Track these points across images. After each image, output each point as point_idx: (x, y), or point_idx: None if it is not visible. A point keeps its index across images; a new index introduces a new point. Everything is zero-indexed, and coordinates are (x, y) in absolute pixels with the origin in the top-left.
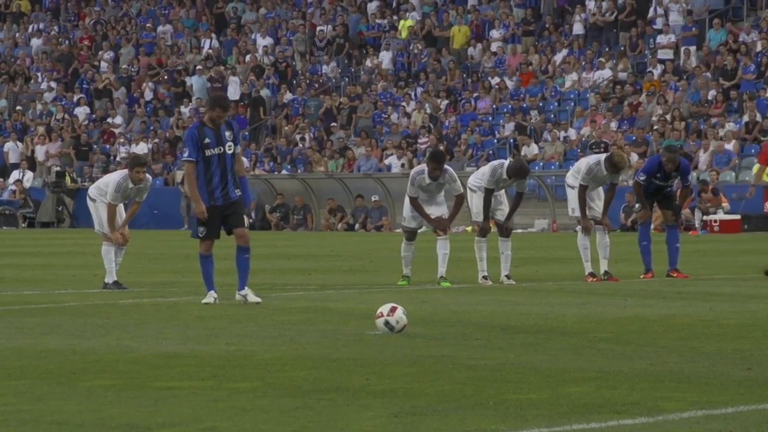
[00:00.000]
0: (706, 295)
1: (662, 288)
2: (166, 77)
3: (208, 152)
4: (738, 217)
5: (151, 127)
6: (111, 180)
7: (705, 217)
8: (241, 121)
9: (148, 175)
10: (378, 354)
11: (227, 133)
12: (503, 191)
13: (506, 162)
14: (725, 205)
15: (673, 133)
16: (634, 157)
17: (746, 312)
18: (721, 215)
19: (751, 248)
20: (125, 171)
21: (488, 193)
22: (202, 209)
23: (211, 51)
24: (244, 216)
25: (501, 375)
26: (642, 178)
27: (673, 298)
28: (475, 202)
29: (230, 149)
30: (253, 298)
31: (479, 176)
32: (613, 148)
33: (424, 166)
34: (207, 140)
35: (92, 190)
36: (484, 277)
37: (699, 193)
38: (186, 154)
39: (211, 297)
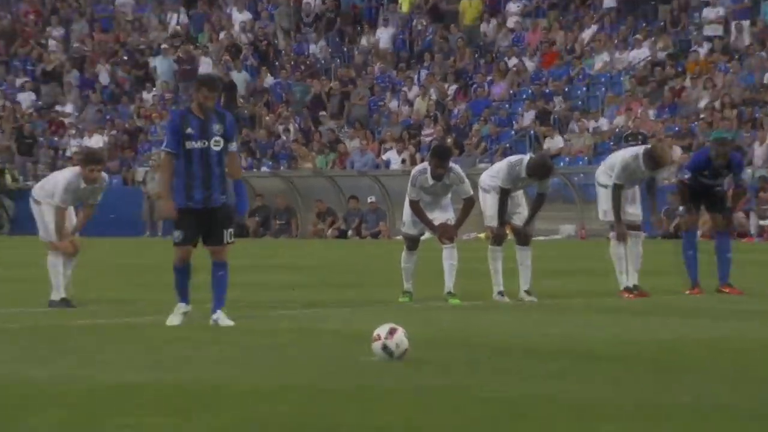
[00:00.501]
0: (764, 314)
1: (712, 305)
2: (125, 58)
3: (188, 144)
4: None
5: (108, 117)
6: (59, 179)
7: (762, 222)
8: None
9: (103, 174)
10: (375, 384)
11: (216, 126)
12: (522, 192)
13: (526, 158)
14: None
15: (722, 122)
16: (678, 151)
17: None
18: None
19: None
20: (76, 168)
21: (504, 194)
22: (170, 207)
23: (179, 27)
24: (226, 232)
25: (520, 409)
26: (686, 176)
27: (724, 317)
28: (489, 205)
29: (217, 145)
30: (225, 321)
31: (494, 174)
32: (652, 140)
33: (426, 165)
34: (189, 130)
35: (37, 191)
36: (500, 293)
37: (756, 193)
38: (164, 143)
39: (178, 313)
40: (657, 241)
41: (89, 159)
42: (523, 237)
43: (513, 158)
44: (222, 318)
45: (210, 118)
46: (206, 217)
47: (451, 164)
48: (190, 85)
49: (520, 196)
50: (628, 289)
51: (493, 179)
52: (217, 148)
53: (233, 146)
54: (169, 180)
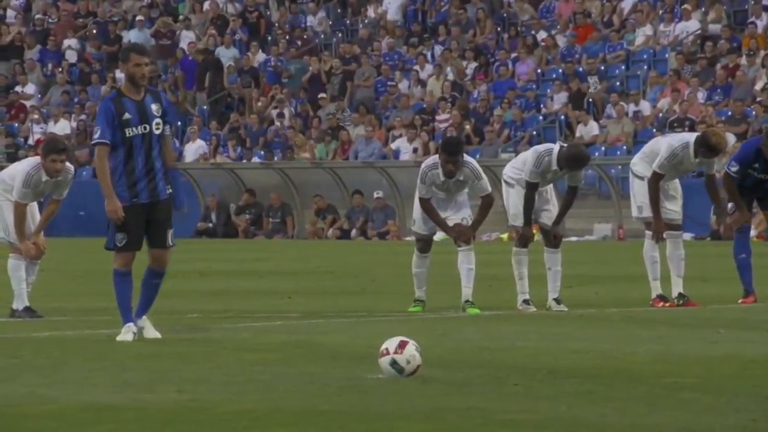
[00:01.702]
0: None
1: (767, 317)
2: (95, 31)
3: (128, 132)
4: None
5: (76, 100)
6: (18, 171)
7: None
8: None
9: (68, 165)
10: (381, 405)
11: (153, 107)
12: (551, 186)
13: (556, 147)
14: None
15: None
16: (731, 138)
17: None
18: None
19: None
20: (37, 159)
21: (531, 189)
22: (116, 207)
23: None
24: (169, 232)
25: None
26: (734, 168)
27: None
28: (513, 201)
29: (158, 128)
30: (151, 332)
31: (519, 166)
32: (702, 127)
33: (437, 158)
34: (127, 116)
35: None
36: (525, 302)
37: None
38: (97, 135)
39: (129, 332)
40: (704, 244)
41: (49, 148)
42: (553, 238)
43: (541, 148)
44: (148, 327)
45: (145, 97)
46: (152, 211)
47: (466, 158)
48: (168, 63)
49: (549, 191)
50: (662, 297)
51: (517, 172)
52: (158, 132)
53: (169, 129)
54: (108, 175)
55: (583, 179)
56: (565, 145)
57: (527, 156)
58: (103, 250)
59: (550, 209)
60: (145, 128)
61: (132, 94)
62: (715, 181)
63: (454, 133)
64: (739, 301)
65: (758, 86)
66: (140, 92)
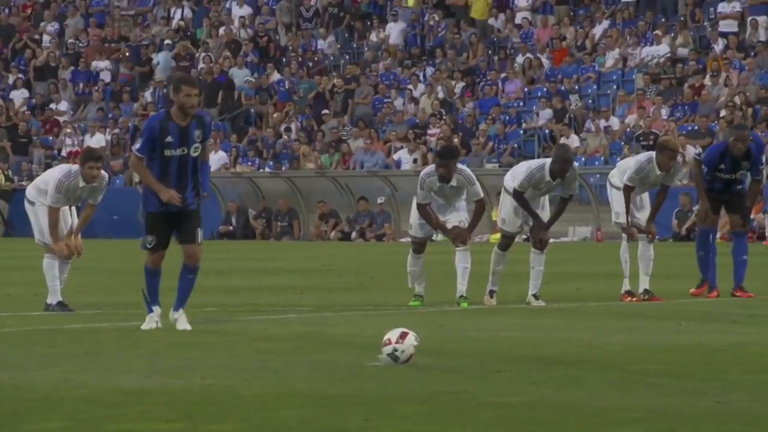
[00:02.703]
0: None
1: (729, 310)
2: (128, 54)
3: (167, 153)
4: None
5: (110, 115)
6: (50, 177)
7: None
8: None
9: (103, 173)
10: (382, 390)
11: (196, 132)
12: (546, 197)
13: (548, 162)
14: None
15: (741, 121)
16: (690, 151)
17: None
18: None
19: None
20: (68, 166)
21: (518, 197)
22: (170, 195)
23: (182, 22)
24: (198, 230)
25: (533, 415)
26: (704, 170)
27: (743, 322)
28: (505, 207)
29: (195, 151)
30: (183, 324)
31: (515, 174)
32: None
33: (434, 167)
34: (169, 138)
35: (30, 191)
36: (491, 293)
37: None
38: (137, 146)
39: (152, 321)
40: (668, 245)
41: (87, 156)
42: (539, 242)
43: (534, 163)
44: (182, 320)
45: (191, 123)
46: (179, 217)
47: (460, 166)
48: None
49: (545, 200)
50: (629, 293)
51: (513, 180)
52: (195, 154)
53: (208, 143)
54: (150, 176)
55: (576, 189)
56: (557, 149)
57: (521, 168)
58: (135, 250)
59: (544, 214)
60: (183, 150)
61: (179, 119)
62: (668, 191)
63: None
64: (691, 291)
65: (718, 103)
66: (187, 119)
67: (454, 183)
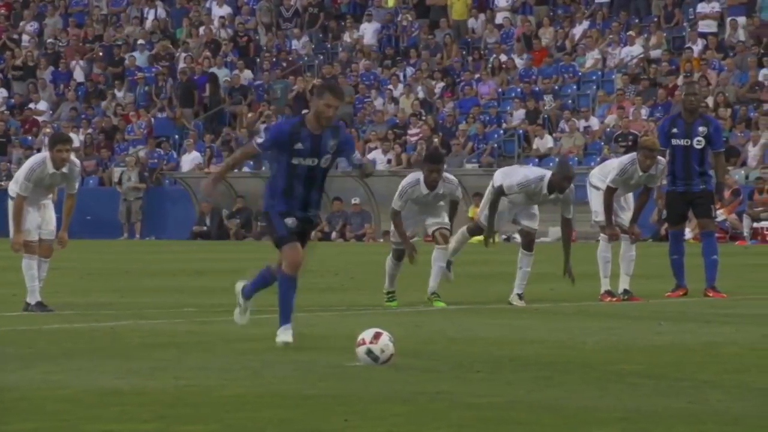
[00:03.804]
0: (758, 318)
1: (704, 310)
2: (101, 54)
3: (295, 161)
4: None
5: (83, 115)
6: (23, 166)
7: (756, 224)
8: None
9: (74, 159)
10: (360, 390)
11: (330, 142)
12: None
13: (548, 174)
14: None
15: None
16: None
17: None
18: None
19: None
20: (42, 154)
21: (495, 194)
22: (211, 185)
23: (157, 22)
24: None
25: (509, 415)
26: (660, 140)
27: (718, 322)
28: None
29: (326, 163)
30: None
31: (506, 176)
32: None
33: (418, 175)
34: (299, 145)
35: (11, 186)
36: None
37: (750, 195)
38: (259, 140)
39: (289, 333)
40: (648, 245)
41: (55, 139)
42: (528, 242)
43: (533, 174)
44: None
45: (325, 133)
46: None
47: (445, 174)
48: (167, 82)
49: (534, 207)
50: (609, 293)
51: (504, 179)
52: (325, 167)
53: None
54: (238, 161)
55: (572, 212)
56: (558, 164)
57: (518, 176)
58: (109, 250)
59: (534, 213)
60: (313, 161)
61: (313, 127)
62: (649, 193)
63: (425, 145)
64: (666, 294)
65: None
66: (321, 128)
67: (440, 191)
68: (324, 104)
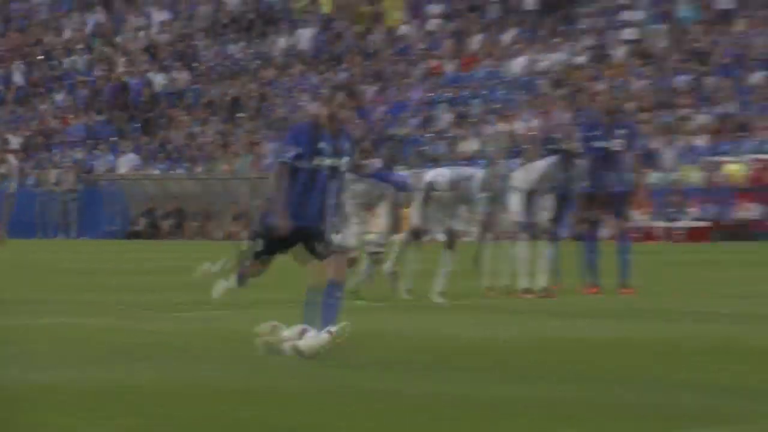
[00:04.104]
0: (666, 313)
1: (615, 306)
2: (41, 57)
3: (317, 161)
4: (707, 224)
5: (21, 117)
6: None
7: (667, 224)
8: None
9: (12, 158)
10: (278, 384)
11: (347, 145)
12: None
13: (478, 173)
14: (692, 210)
15: (644, 126)
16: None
17: (707, 333)
18: (686, 222)
19: (719, 259)
20: None
21: (425, 195)
22: (285, 225)
23: (96, 27)
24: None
25: (431, 408)
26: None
27: (629, 317)
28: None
29: (344, 166)
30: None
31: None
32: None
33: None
34: (322, 144)
35: None
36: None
37: (663, 196)
38: (282, 154)
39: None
40: (565, 243)
41: None
42: (451, 241)
43: (464, 172)
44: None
45: (342, 134)
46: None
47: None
48: (107, 88)
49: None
50: (528, 291)
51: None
52: (344, 170)
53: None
54: (281, 185)
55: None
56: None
57: (446, 173)
58: (26, 248)
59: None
60: (335, 162)
61: (329, 127)
62: (571, 195)
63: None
64: (583, 291)
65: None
66: (336, 130)
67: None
68: (338, 105)
